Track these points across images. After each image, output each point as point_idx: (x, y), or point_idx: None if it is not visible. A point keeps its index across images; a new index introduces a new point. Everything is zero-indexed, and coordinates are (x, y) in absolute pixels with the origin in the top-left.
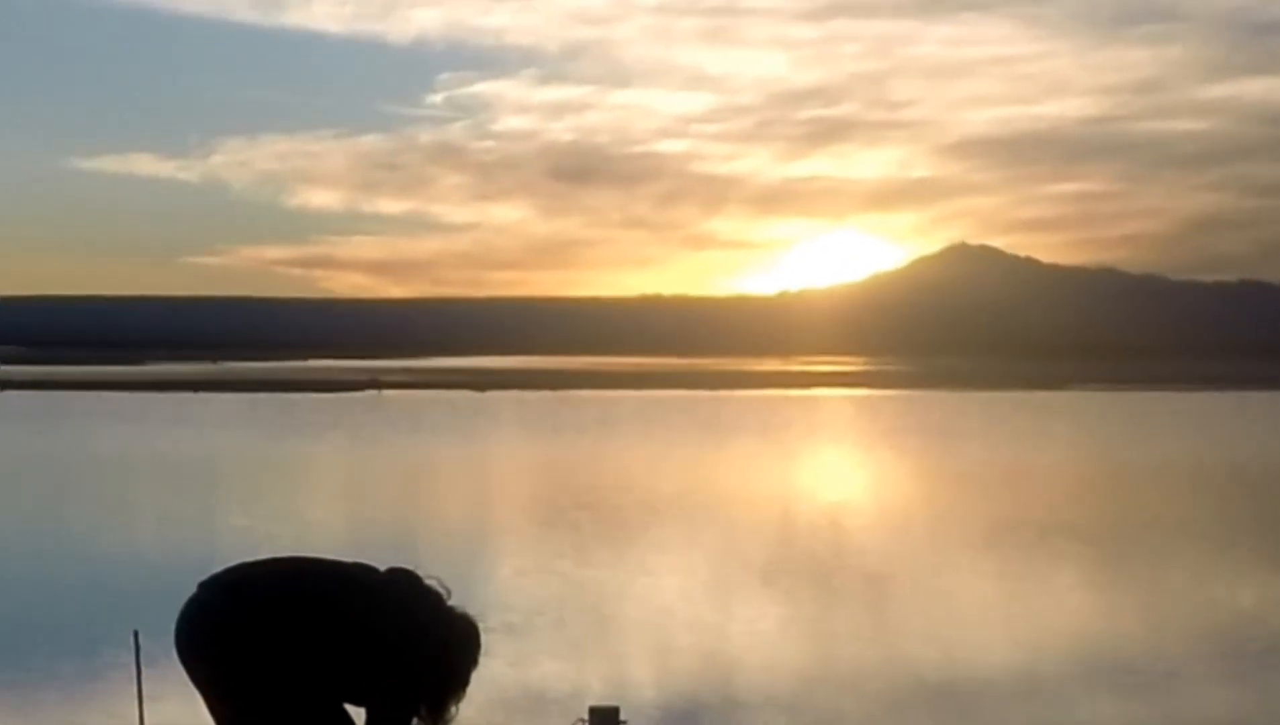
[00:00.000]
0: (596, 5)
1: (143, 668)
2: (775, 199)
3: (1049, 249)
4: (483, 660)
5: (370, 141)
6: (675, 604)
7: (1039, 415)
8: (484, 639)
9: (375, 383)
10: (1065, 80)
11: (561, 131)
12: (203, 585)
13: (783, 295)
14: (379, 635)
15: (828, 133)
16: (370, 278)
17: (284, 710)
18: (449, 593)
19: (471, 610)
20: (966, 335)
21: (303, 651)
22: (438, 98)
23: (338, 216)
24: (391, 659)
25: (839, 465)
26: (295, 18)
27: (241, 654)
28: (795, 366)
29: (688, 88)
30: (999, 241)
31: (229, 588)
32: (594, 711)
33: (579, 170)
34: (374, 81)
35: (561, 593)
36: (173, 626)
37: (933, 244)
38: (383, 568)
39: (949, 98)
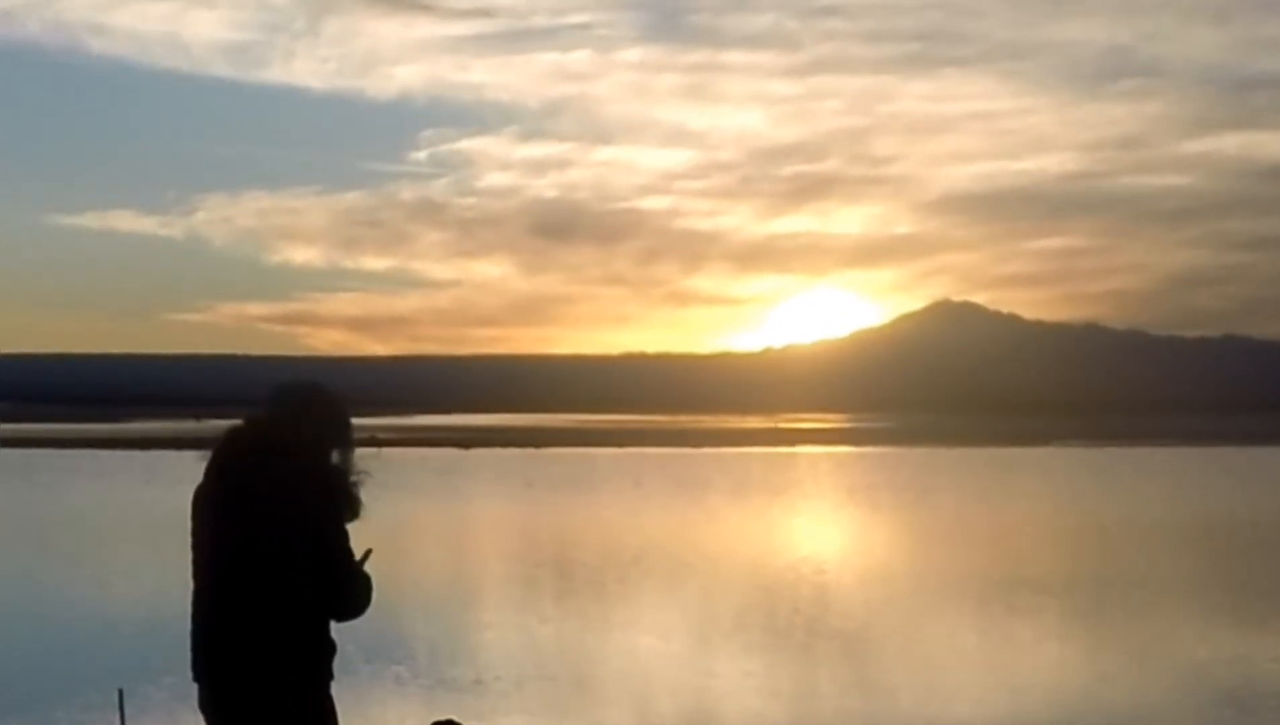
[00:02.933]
0: (576, 62)
1: None
2: (757, 255)
3: (1031, 305)
4: (464, 717)
5: (352, 198)
6: (655, 661)
7: (1023, 471)
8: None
9: (374, 441)
10: (1046, 136)
11: (543, 188)
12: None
13: (766, 352)
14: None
15: (809, 189)
16: (352, 335)
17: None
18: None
19: (455, 669)
20: (950, 392)
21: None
22: (420, 154)
23: (319, 273)
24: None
25: (822, 523)
26: (276, 74)
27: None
28: (779, 423)
29: (669, 144)
30: (981, 297)
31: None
32: None
33: (560, 227)
34: (355, 138)
35: (542, 650)
36: (155, 686)
37: (915, 301)
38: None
39: (930, 153)
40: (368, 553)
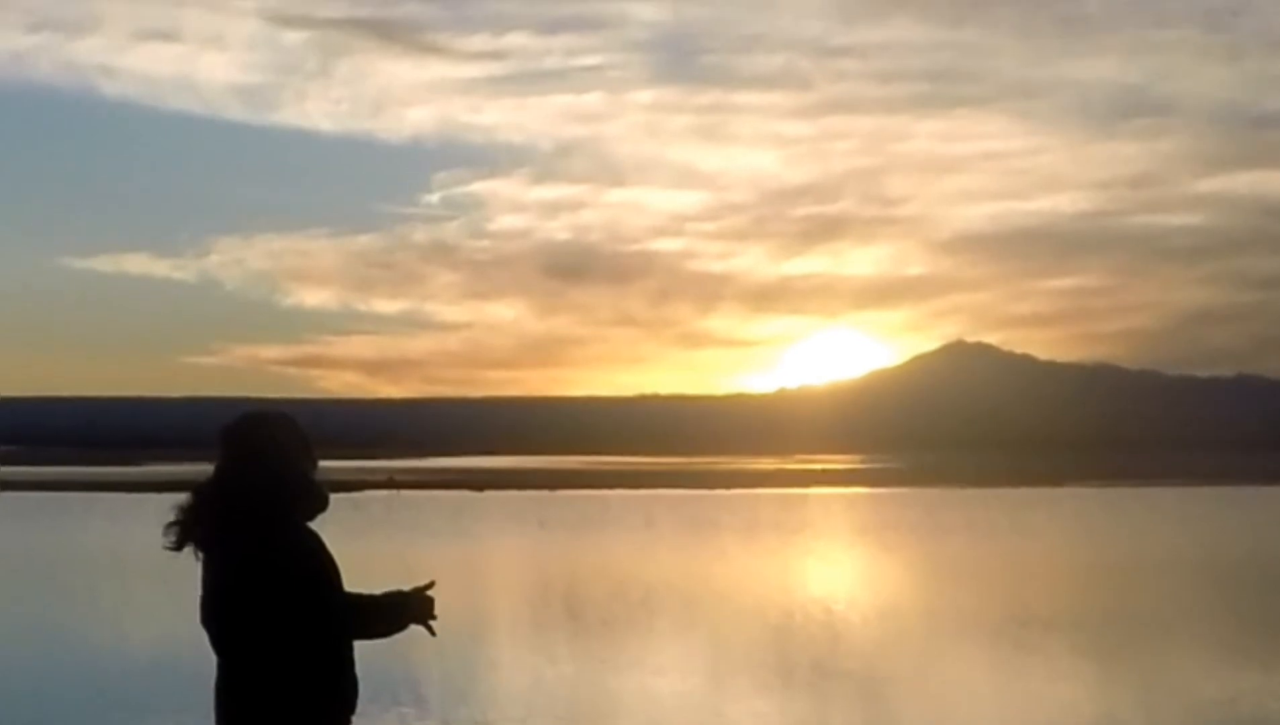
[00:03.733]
0: (588, 103)
1: None
2: (770, 296)
3: (1045, 345)
4: None
5: (364, 240)
6: (668, 703)
7: (1037, 511)
8: None
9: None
10: (1059, 175)
11: (555, 230)
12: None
13: (780, 393)
14: None
15: (822, 230)
16: (364, 377)
17: None
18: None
19: (464, 710)
20: (964, 432)
21: None
22: (432, 197)
23: (332, 315)
24: None
25: (836, 563)
26: (288, 116)
27: None
28: (793, 464)
29: (681, 185)
30: (995, 337)
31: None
32: None
33: (573, 268)
34: (367, 180)
35: (553, 692)
36: None
37: (929, 341)
38: None
39: (943, 193)
40: (430, 584)
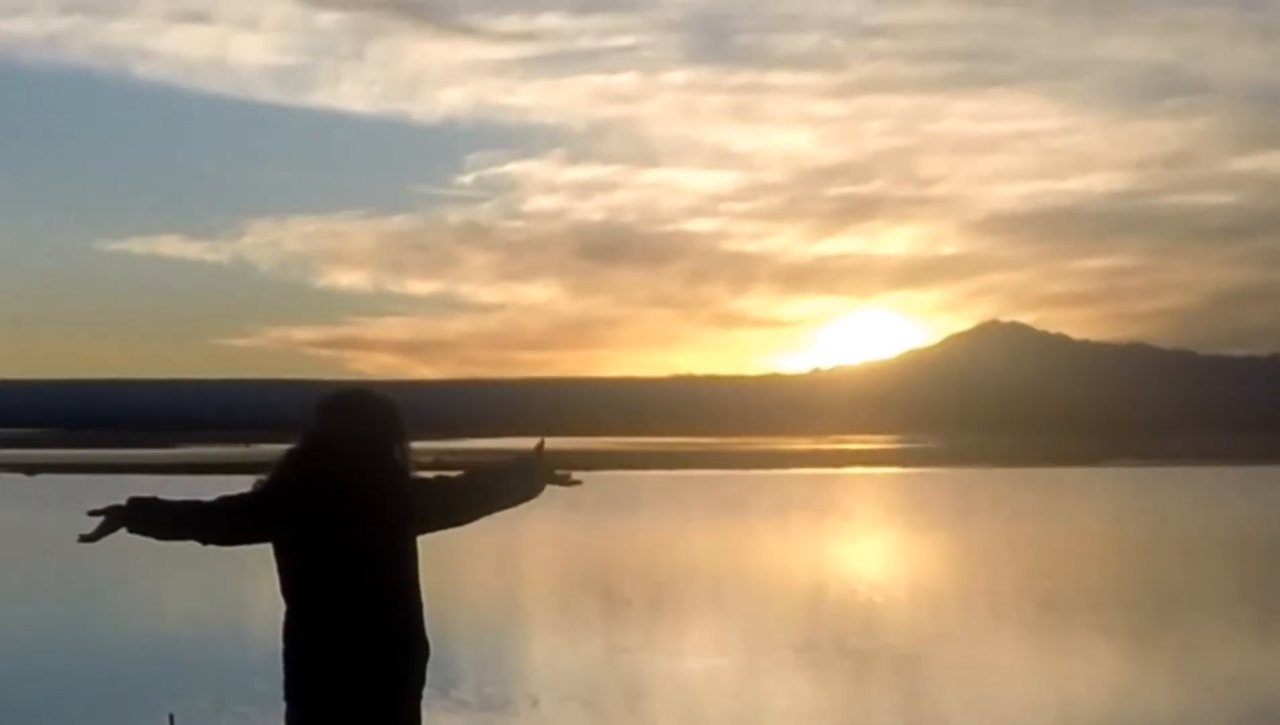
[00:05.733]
0: (622, 84)
1: None
2: (805, 277)
3: (1080, 324)
4: None
5: (398, 222)
6: (712, 683)
7: (1072, 491)
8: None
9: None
10: (1093, 155)
11: (590, 211)
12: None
13: (814, 373)
14: None
15: (856, 210)
16: (399, 358)
17: None
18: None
19: (509, 689)
20: (999, 412)
21: None
22: (466, 178)
23: (366, 297)
24: None
25: (871, 545)
26: (322, 98)
27: None
28: (828, 445)
29: (715, 166)
30: (1029, 317)
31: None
32: None
33: (607, 249)
34: (402, 162)
35: (586, 672)
36: (206, 712)
37: (963, 321)
38: None
39: (977, 173)
40: (540, 443)
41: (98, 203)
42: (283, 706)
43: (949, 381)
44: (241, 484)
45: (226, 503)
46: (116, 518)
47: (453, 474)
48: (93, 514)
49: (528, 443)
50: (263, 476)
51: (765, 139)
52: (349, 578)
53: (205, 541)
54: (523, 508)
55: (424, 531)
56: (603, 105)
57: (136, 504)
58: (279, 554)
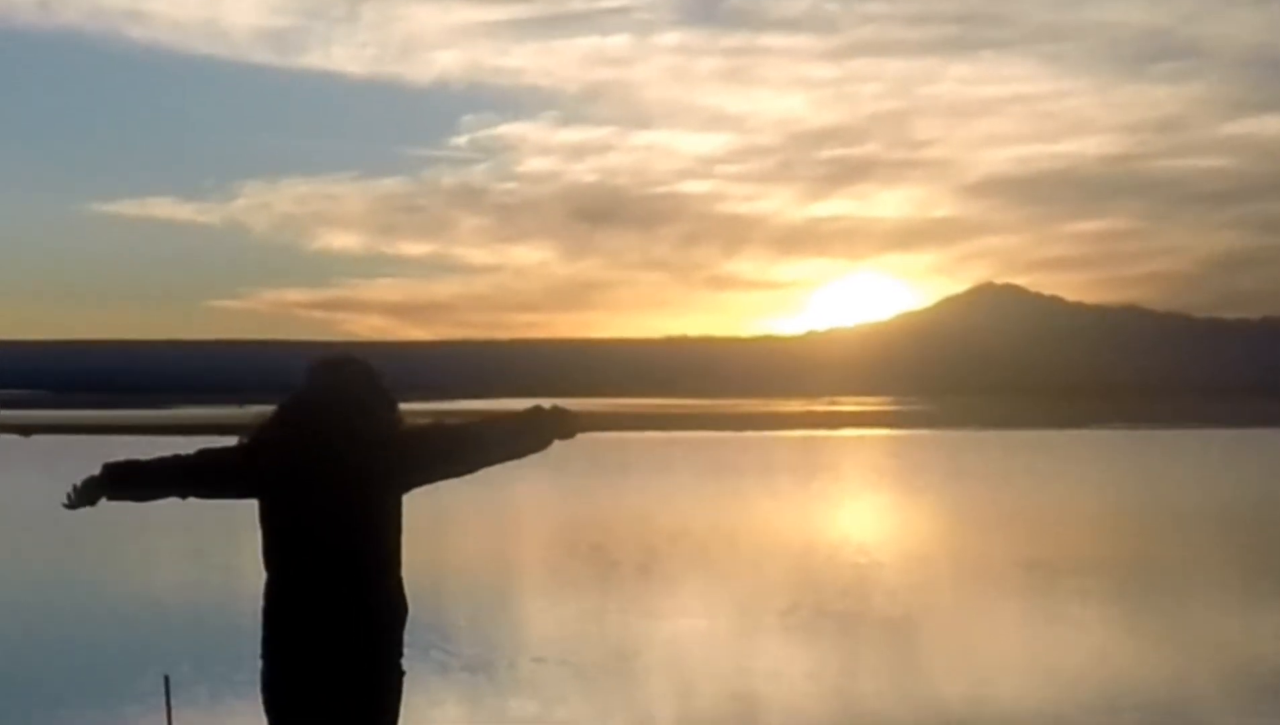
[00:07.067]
0: (615, 46)
1: (173, 712)
2: (797, 239)
3: (1073, 287)
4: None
5: (391, 184)
6: (706, 648)
7: (1064, 454)
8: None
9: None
10: (1087, 118)
11: (583, 173)
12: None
13: (808, 335)
14: None
15: (849, 173)
16: (391, 320)
17: None
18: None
19: (497, 651)
20: (993, 374)
21: None
22: (459, 140)
23: (359, 259)
24: None
25: (866, 506)
26: (314, 60)
27: None
28: (822, 407)
29: (708, 128)
30: (1023, 280)
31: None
32: None
33: (600, 211)
34: (394, 124)
35: (579, 636)
36: (201, 674)
37: (957, 284)
38: None
39: (970, 136)
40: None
41: (90, 165)
42: None
43: (942, 344)
44: (230, 444)
45: (207, 457)
46: (93, 489)
47: (453, 422)
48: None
49: (520, 404)
50: (245, 435)
51: (758, 102)
52: (326, 535)
53: (185, 496)
54: (509, 476)
55: (422, 482)
56: (596, 67)
57: (112, 472)
58: (260, 511)
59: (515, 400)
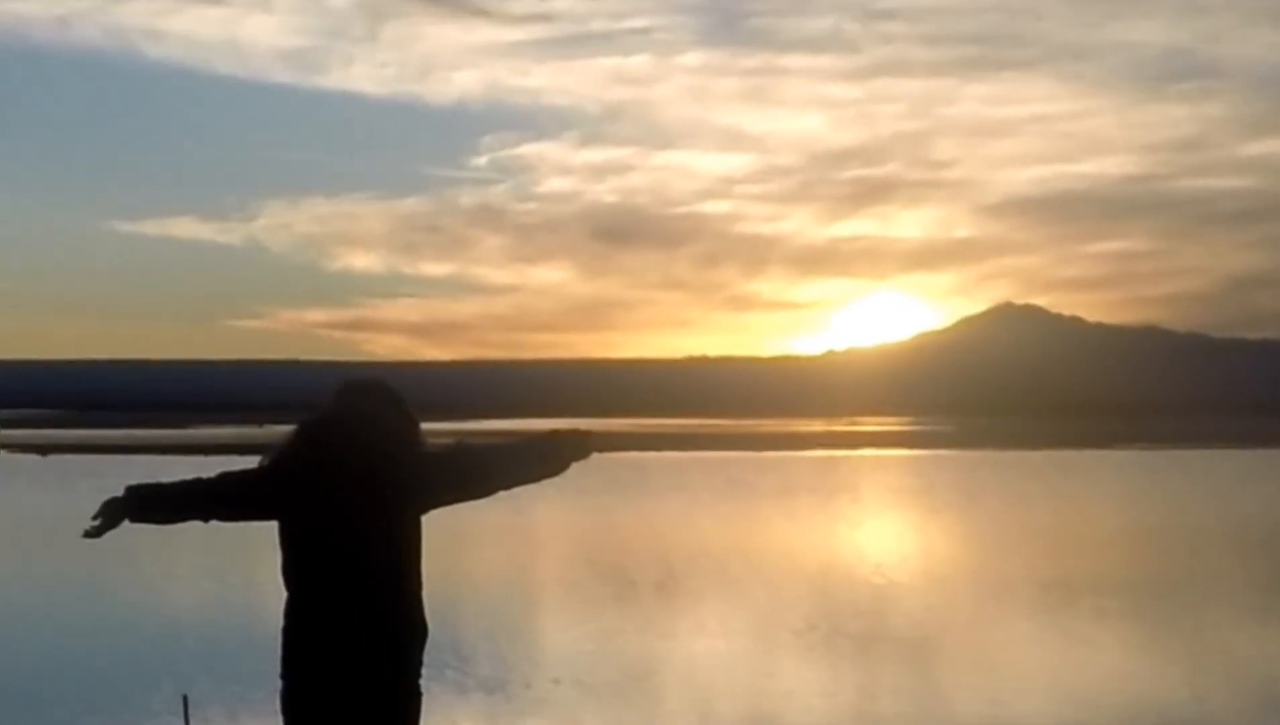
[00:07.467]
0: (635, 66)
1: None
2: (818, 259)
3: (1093, 307)
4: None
5: (411, 204)
6: (723, 668)
7: (1085, 474)
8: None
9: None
10: (1107, 138)
11: (603, 193)
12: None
13: (828, 355)
14: None
15: (869, 193)
16: (412, 340)
17: None
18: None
19: (514, 671)
20: (1013, 394)
21: None
22: (479, 160)
23: (379, 279)
24: None
25: (885, 526)
26: (335, 79)
27: None
28: (841, 427)
29: (728, 148)
30: (1043, 300)
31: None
32: None
33: (620, 232)
34: (414, 144)
35: (598, 656)
36: (219, 693)
37: (977, 304)
38: None
39: (990, 156)
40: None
41: (111, 184)
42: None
43: (962, 364)
44: (252, 466)
45: (229, 479)
46: (116, 513)
47: (473, 443)
48: (94, 518)
49: (540, 425)
50: (267, 456)
51: (778, 121)
52: (347, 556)
53: (208, 519)
54: (530, 496)
55: (440, 504)
56: (616, 87)
57: (133, 496)
58: (281, 531)
59: (535, 420)
